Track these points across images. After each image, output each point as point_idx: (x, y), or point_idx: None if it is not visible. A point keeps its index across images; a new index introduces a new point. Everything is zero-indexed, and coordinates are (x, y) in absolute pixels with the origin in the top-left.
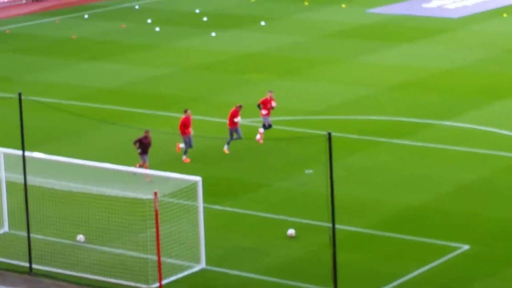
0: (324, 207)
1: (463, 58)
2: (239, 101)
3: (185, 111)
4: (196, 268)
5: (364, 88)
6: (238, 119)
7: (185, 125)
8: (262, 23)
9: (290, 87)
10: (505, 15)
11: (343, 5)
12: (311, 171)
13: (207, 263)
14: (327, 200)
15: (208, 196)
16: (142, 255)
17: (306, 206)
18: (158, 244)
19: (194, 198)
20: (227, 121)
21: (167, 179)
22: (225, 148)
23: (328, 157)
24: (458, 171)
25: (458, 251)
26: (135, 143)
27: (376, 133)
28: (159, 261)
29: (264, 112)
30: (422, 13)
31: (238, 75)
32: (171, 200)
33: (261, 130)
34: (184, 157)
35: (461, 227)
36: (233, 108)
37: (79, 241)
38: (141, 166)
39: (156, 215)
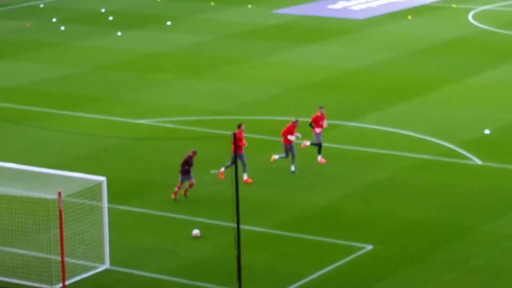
0: (230, 207)
1: (368, 59)
2: (145, 100)
3: (239, 126)
4: (100, 268)
5: (270, 88)
6: (292, 137)
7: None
8: (168, 23)
9: (196, 87)
10: (409, 17)
11: (249, 6)
12: (216, 171)
13: (112, 263)
14: (232, 200)
15: (113, 196)
16: (45, 255)
17: (212, 206)
18: (62, 244)
19: (99, 198)
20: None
21: (72, 179)
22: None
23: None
24: (362, 171)
25: (362, 251)
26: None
27: (280, 133)
28: (62, 261)
29: (317, 130)
30: (327, 14)
31: (144, 74)
32: (75, 200)
33: (307, 143)
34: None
35: (365, 227)
36: (289, 124)
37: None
38: (179, 188)
39: (60, 215)
